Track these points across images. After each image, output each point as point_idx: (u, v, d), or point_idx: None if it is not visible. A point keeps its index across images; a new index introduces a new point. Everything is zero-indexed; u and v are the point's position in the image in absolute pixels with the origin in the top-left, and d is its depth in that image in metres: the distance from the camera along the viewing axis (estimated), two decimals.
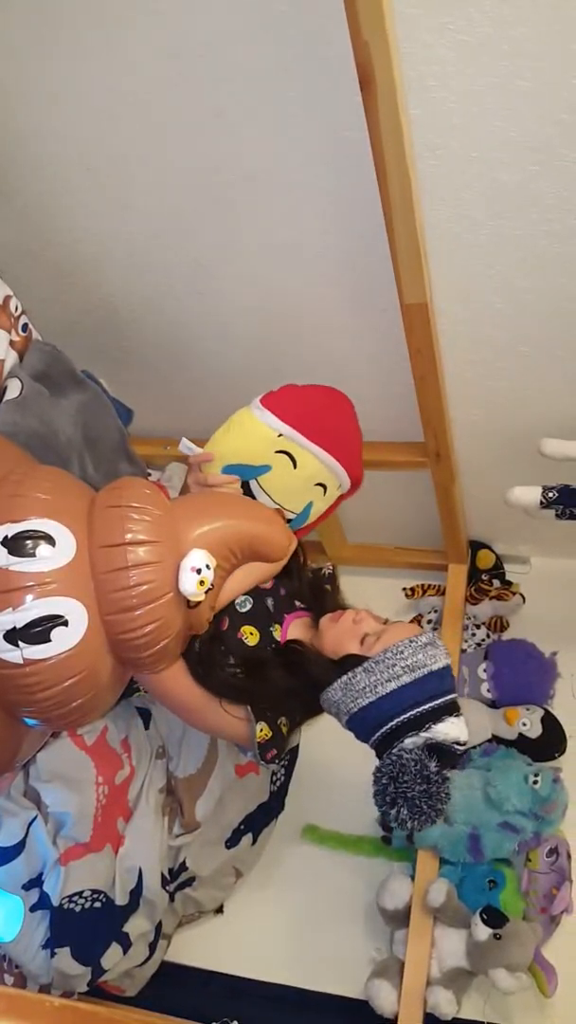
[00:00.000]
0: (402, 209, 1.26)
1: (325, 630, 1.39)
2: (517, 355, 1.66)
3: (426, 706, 1.27)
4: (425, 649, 1.30)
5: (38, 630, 1.06)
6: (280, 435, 1.47)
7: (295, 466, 1.47)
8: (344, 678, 1.31)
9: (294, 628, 1.45)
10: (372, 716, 1.29)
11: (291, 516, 1.51)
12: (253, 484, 1.48)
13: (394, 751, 1.26)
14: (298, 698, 1.41)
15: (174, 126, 1.42)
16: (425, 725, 1.26)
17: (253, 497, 1.47)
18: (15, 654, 1.07)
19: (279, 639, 1.43)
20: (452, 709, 1.30)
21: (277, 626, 1.43)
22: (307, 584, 1.52)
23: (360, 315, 1.68)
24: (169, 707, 1.45)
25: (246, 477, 1.48)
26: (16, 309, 1.54)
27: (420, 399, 1.67)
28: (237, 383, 2.00)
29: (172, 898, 1.84)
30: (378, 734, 1.30)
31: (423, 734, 1.26)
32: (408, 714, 1.27)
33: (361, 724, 1.32)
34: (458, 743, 1.29)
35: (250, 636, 1.40)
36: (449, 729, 1.27)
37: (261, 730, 1.35)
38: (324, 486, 1.51)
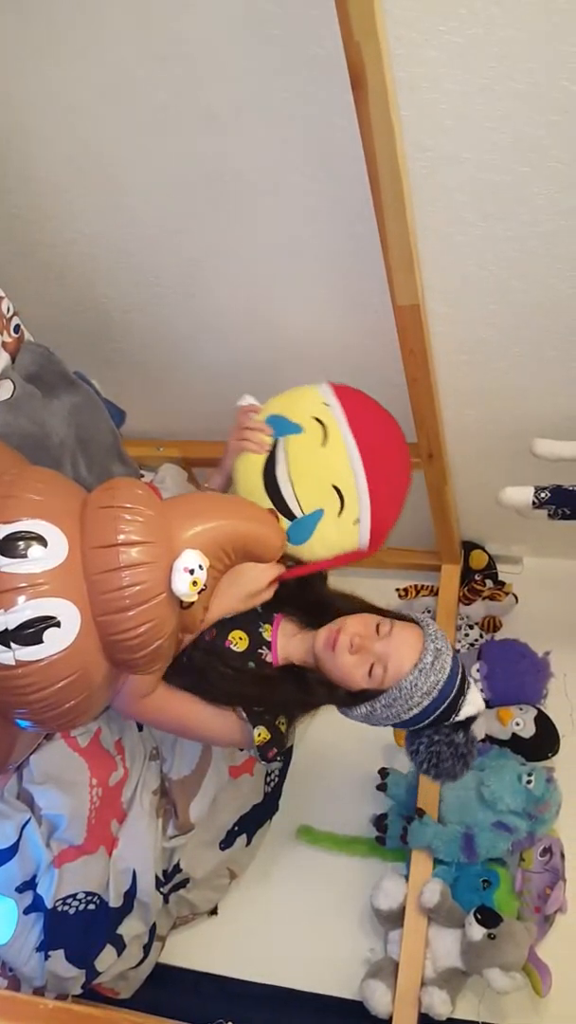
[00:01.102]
0: (394, 210, 1.26)
1: (325, 660, 1.39)
2: (509, 356, 1.67)
3: (446, 704, 1.36)
4: (433, 667, 1.34)
5: (30, 631, 1.06)
6: (326, 404, 1.46)
7: (323, 442, 1.43)
8: (364, 710, 1.39)
9: (284, 627, 1.45)
10: (397, 727, 1.45)
11: (296, 516, 1.43)
12: (279, 446, 1.44)
13: (424, 743, 1.42)
14: (297, 701, 1.43)
15: (165, 127, 1.42)
16: (449, 718, 1.38)
17: (275, 468, 1.44)
18: (7, 655, 1.06)
19: (269, 639, 1.43)
20: (465, 689, 1.38)
21: (267, 626, 1.44)
22: (295, 580, 1.52)
23: (352, 316, 1.68)
24: (166, 730, 1.46)
25: (278, 432, 1.46)
26: (8, 310, 1.53)
27: (413, 400, 1.67)
28: (230, 384, 2.00)
29: (166, 900, 1.84)
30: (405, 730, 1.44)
31: (447, 724, 1.39)
32: (432, 717, 1.37)
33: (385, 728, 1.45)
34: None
35: (239, 641, 1.41)
36: (468, 710, 1.38)
37: (259, 734, 1.38)
38: (341, 497, 1.42)
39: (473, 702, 1.39)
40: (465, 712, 1.38)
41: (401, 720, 1.38)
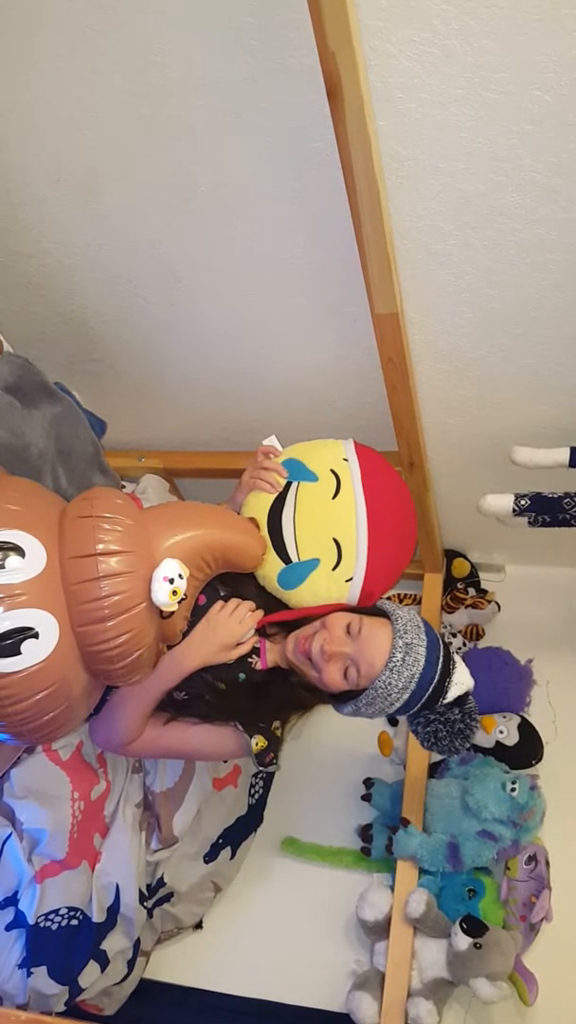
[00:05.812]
0: (371, 219, 1.27)
1: (300, 667, 1.41)
2: (487, 364, 1.67)
3: (431, 689, 1.35)
4: (404, 663, 1.33)
5: (8, 643, 1.05)
6: (345, 459, 1.47)
7: (335, 495, 1.44)
8: (350, 708, 1.40)
9: (269, 631, 1.46)
10: (388, 717, 1.45)
11: (292, 560, 1.43)
12: (291, 490, 1.45)
13: (421, 723, 1.42)
14: (290, 704, 1.46)
15: (142, 137, 1.42)
16: (438, 700, 1.38)
17: (281, 510, 1.45)
18: None
19: (258, 646, 1.44)
20: (450, 670, 1.38)
21: (255, 635, 1.44)
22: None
23: (331, 325, 1.69)
24: (170, 757, 1.47)
25: (293, 476, 1.47)
26: None
27: (393, 408, 1.67)
28: (211, 394, 2.01)
29: (150, 914, 1.82)
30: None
31: (438, 706, 1.39)
32: (419, 704, 1.37)
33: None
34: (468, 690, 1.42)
35: None
36: (455, 691, 1.38)
37: (256, 743, 1.40)
38: (339, 552, 1.42)
39: (460, 682, 1.39)
40: (453, 693, 1.38)
41: (388, 713, 1.39)
